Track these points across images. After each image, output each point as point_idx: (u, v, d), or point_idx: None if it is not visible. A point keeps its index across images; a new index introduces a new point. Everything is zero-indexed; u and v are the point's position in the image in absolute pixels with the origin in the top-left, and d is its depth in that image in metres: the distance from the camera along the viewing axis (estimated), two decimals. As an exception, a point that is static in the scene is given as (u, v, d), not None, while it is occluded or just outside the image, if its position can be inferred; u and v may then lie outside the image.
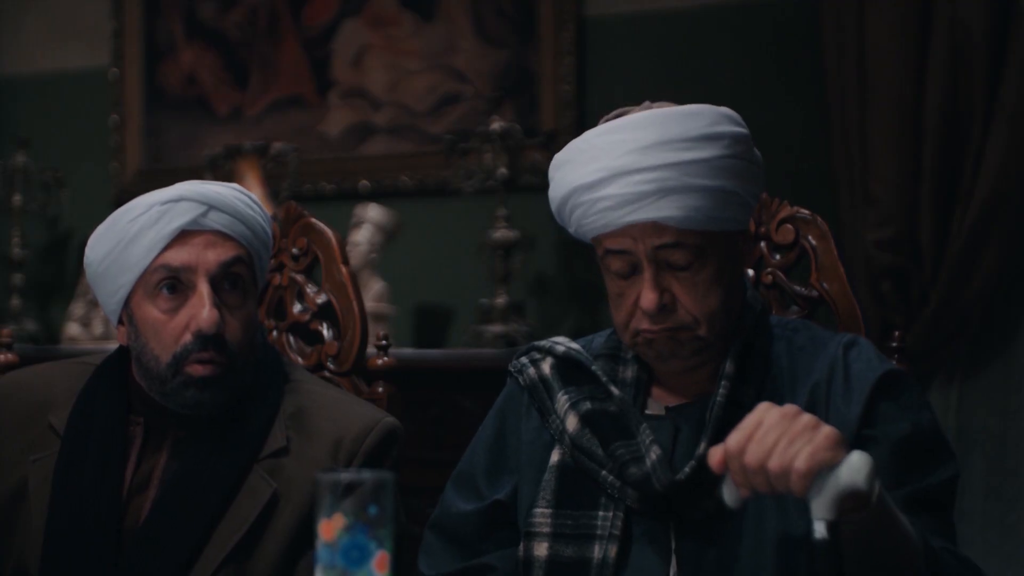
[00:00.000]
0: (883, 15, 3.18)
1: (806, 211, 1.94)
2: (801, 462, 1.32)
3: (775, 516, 1.57)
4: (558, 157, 1.66)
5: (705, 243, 1.59)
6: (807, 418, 1.36)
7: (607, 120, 1.65)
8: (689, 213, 1.56)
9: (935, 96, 3.13)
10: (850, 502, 1.35)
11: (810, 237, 1.92)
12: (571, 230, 1.68)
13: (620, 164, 1.57)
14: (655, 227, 1.58)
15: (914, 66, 3.16)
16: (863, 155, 3.21)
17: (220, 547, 1.72)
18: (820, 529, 1.32)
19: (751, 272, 1.95)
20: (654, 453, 1.61)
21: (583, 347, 1.77)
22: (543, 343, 1.79)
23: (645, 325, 1.61)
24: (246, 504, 1.75)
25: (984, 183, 3.09)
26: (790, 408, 1.37)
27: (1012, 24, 3.08)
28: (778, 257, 1.94)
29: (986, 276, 3.12)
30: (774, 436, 1.34)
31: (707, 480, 1.56)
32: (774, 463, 1.33)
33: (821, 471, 1.32)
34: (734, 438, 1.37)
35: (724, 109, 1.62)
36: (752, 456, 1.34)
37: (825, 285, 1.91)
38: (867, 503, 1.37)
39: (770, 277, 1.94)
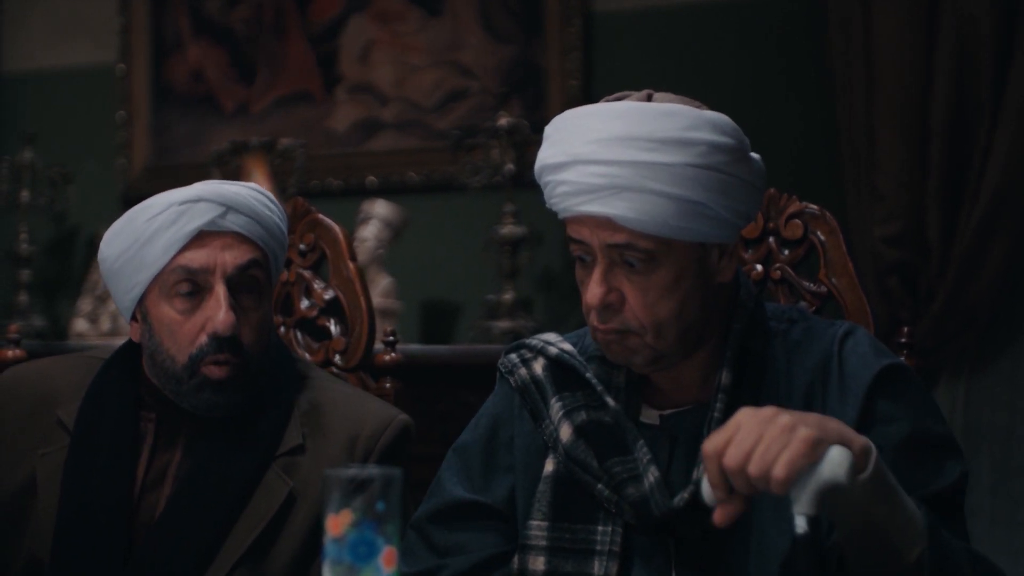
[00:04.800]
0: (889, 10, 3.18)
1: (815, 207, 1.93)
2: (779, 470, 1.30)
3: (777, 531, 1.54)
4: (546, 128, 1.63)
5: (659, 249, 1.53)
6: (784, 419, 1.33)
7: (606, 101, 1.60)
8: (642, 216, 1.50)
9: (942, 91, 3.13)
10: (831, 496, 1.33)
11: (819, 232, 1.92)
12: (547, 204, 1.64)
13: (580, 151, 1.53)
14: (609, 223, 1.52)
15: (921, 61, 3.15)
16: (870, 150, 3.21)
17: (236, 545, 1.73)
18: (801, 524, 1.31)
19: (759, 267, 1.94)
20: (652, 475, 1.57)
21: (576, 344, 1.72)
22: (533, 341, 1.74)
23: (595, 322, 1.57)
24: (263, 502, 1.75)
25: (991, 178, 3.09)
26: (768, 410, 1.34)
27: (1019, 19, 3.08)
28: (787, 252, 1.94)
29: (993, 271, 3.11)
30: (752, 440, 1.32)
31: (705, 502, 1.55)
32: (753, 468, 1.31)
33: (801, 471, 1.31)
34: (711, 442, 1.34)
35: (711, 114, 1.53)
36: (731, 459, 1.32)
37: (834, 280, 1.90)
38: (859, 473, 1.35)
39: (779, 272, 1.94)
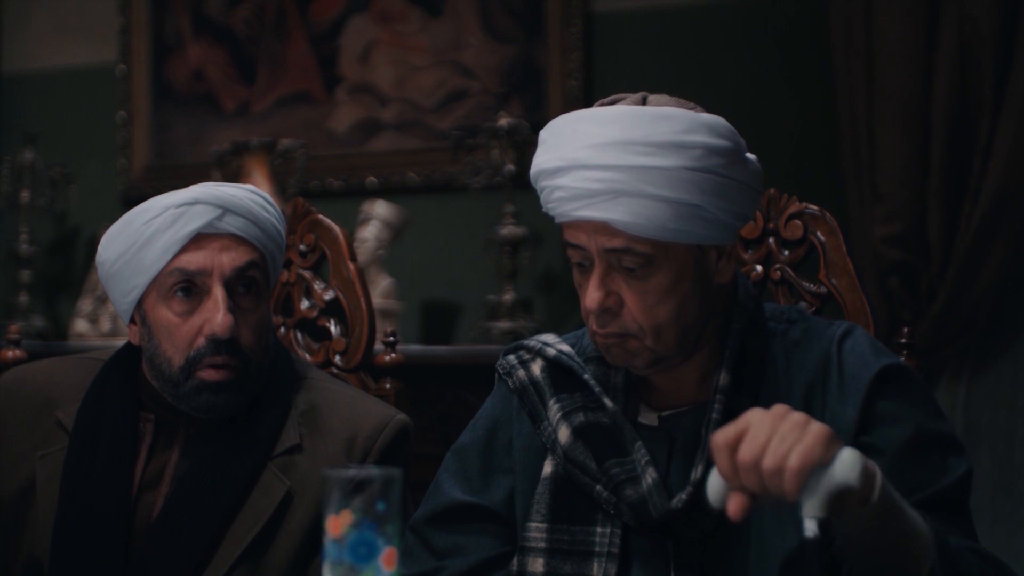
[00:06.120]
0: (890, 10, 3.18)
1: (815, 207, 1.93)
2: (794, 460, 1.28)
3: (777, 532, 1.53)
4: (542, 132, 1.62)
5: (657, 252, 1.52)
6: (796, 416, 1.32)
7: (600, 104, 1.59)
8: (640, 220, 1.50)
9: (943, 91, 3.13)
10: (842, 499, 1.31)
11: (819, 233, 1.92)
12: (544, 209, 1.63)
13: (577, 156, 1.52)
14: (607, 228, 1.52)
15: (922, 61, 3.15)
16: (870, 150, 3.21)
17: (234, 545, 1.73)
18: (811, 527, 1.29)
19: (759, 268, 1.94)
20: (649, 476, 1.57)
21: (574, 345, 1.72)
22: (531, 342, 1.74)
23: (594, 326, 1.57)
24: (260, 502, 1.75)
25: (992, 179, 3.08)
26: (779, 408, 1.33)
27: (1020, 19, 3.08)
28: (787, 253, 1.94)
29: (994, 272, 3.11)
30: (765, 434, 1.30)
31: (703, 503, 1.54)
32: (768, 462, 1.29)
33: (813, 469, 1.29)
34: (723, 434, 1.32)
35: (707, 117, 1.53)
36: (746, 454, 1.30)
37: (834, 281, 1.90)
38: (867, 499, 1.33)
39: (779, 273, 1.94)
